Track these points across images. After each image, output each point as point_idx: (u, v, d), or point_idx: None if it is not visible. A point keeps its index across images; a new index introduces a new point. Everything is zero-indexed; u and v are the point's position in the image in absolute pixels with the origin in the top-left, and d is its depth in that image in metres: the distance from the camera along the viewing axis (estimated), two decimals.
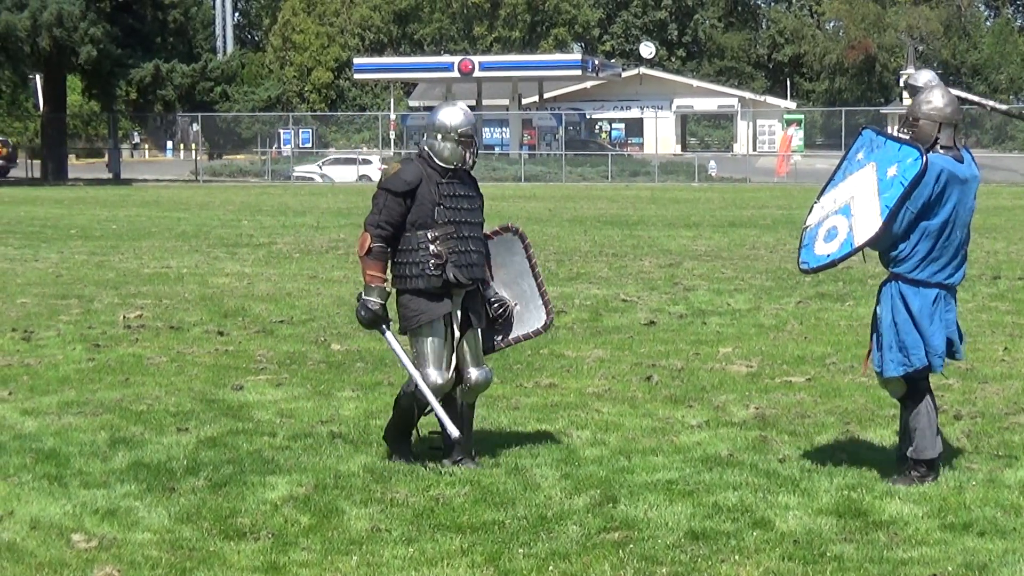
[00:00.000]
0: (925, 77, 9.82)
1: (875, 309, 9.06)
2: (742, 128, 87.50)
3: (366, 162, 71.88)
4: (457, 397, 9.42)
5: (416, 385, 9.14)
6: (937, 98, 8.85)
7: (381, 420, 10.73)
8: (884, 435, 10.17)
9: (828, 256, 8.87)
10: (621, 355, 13.89)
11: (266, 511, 8.27)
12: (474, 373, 9.39)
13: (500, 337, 9.67)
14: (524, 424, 10.59)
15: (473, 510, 8.25)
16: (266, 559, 7.39)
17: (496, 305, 9.52)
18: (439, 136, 9.24)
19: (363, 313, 9.15)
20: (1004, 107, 10.38)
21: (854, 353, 13.82)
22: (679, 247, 27.06)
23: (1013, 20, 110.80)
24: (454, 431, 9.05)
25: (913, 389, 8.88)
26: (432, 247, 9.04)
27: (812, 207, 9.24)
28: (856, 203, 8.80)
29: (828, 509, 8.27)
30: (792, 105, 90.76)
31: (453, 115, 9.29)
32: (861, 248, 8.71)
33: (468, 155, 9.27)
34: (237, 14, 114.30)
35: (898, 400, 9.11)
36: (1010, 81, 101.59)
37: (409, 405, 9.30)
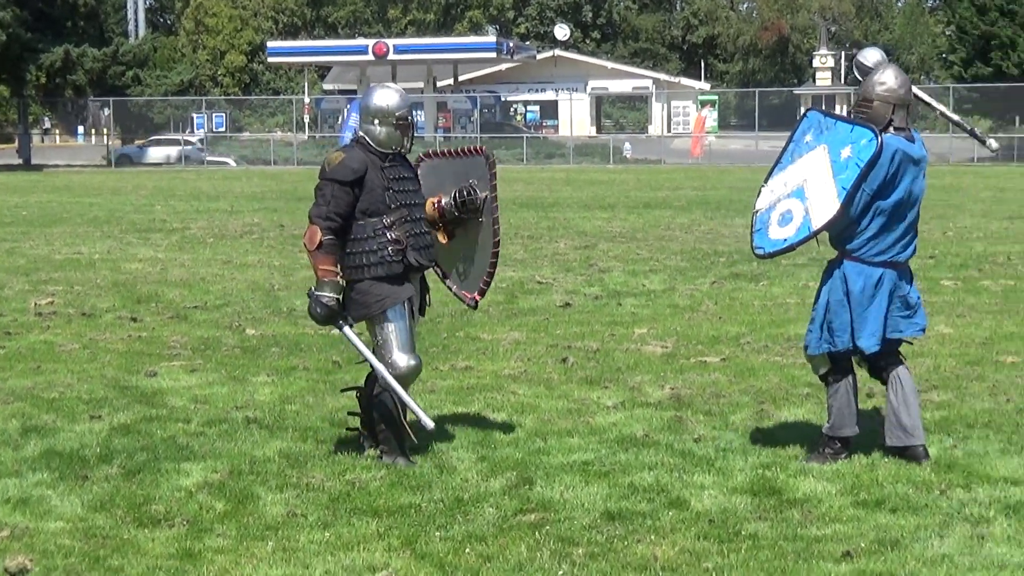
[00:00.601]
0: (875, 57, 9.73)
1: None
2: (657, 110, 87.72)
3: (188, 143, 71.71)
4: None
5: (380, 376, 8.89)
6: (891, 79, 8.79)
7: (296, 405, 10.71)
8: (798, 414, 10.25)
9: (785, 240, 8.78)
10: (537, 337, 13.90)
11: (180, 498, 8.22)
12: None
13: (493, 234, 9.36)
14: (440, 407, 10.58)
15: (389, 494, 8.24)
16: (181, 546, 7.34)
17: (465, 194, 9.21)
18: (376, 121, 8.94)
19: (318, 310, 8.79)
20: (956, 117, 10.19)
21: (768, 333, 13.93)
22: (594, 229, 27.12)
23: (924, 1, 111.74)
24: (428, 421, 8.80)
25: (835, 368, 8.90)
26: (389, 233, 8.81)
27: (760, 191, 9.14)
28: (810, 186, 8.72)
29: (743, 488, 8.32)
30: (706, 87, 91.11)
31: (389, 98, 8.99)
32: (820, 231, 8.64)
33: (406, 139, 9.04)
34: None
35: (819, 377, 9.09)
36: (920, 61, 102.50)
37: (391, 400, 8.93)
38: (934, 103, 9.99)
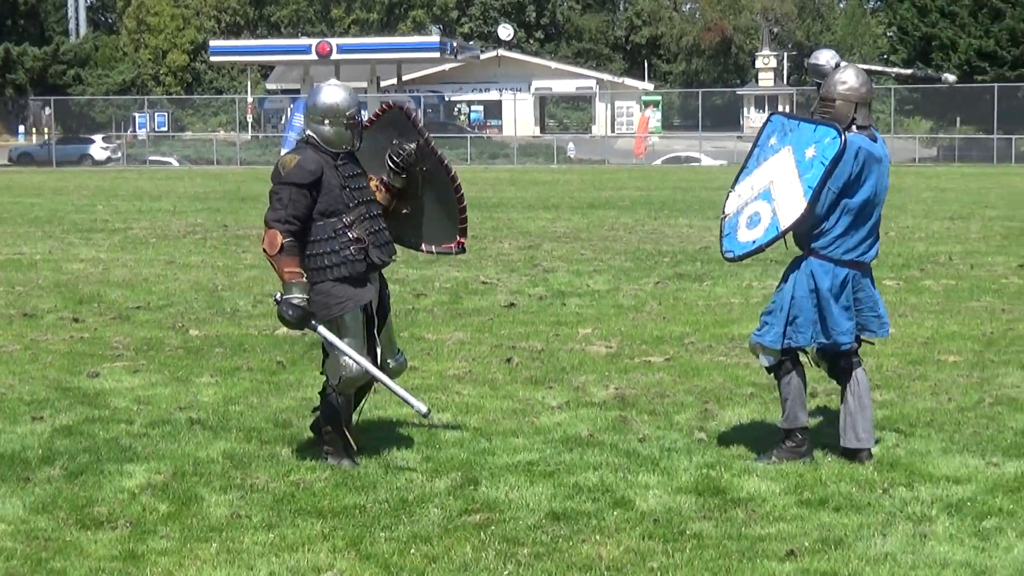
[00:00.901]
0: (827, 55, 9.79)
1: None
2: (600, 110, 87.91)
3: (88, 141, 71.82)
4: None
5: (366, 371, 8.73)
6: (852, 78, 8.82)
7: (240, 406, 10.66)
8: (742, 413, 10.28)
9: (754, 242, 8.77)
10: (481, 337, 13.90)
11: (124, 499, 8.17)
12: (391, 362, 9.22)
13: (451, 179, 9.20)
14: (384, 407, 10.55)
15: (334, 494, 8.22)
16: (124, 548, 7.30)
17: (399, 154, 9.06)
18: (326, 121, 8.74)
19: (290, 312, 8.61)
20: (908, 71, 10.39)
21: (712, 333, 13.97)
22: (538, 229, 27.14)
23: (865, 2, 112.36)
24: (422, 407, 8.74)
25: (787, 360, 8.86)
26: (350, 232, 8.66)
27: (728, 195, 9.15)
28: (776, 187, 8.74)
29: (687, 487, 8.33)
30: (650, 87, 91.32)
31: (337, 96, 8.79)
32: (788, 231, 8.64)
33: (356, 138, 8.84)
34: None
35: (767, 368, 9.03)
36: (862, 62, 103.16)
37: (341, 401, 8.83)
38: (884, 68, 10.20)
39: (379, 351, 9.06)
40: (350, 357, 8.75)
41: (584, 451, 9.20)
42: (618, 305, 16.22)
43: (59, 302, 16.60)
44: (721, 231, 9.09)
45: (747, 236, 8.83)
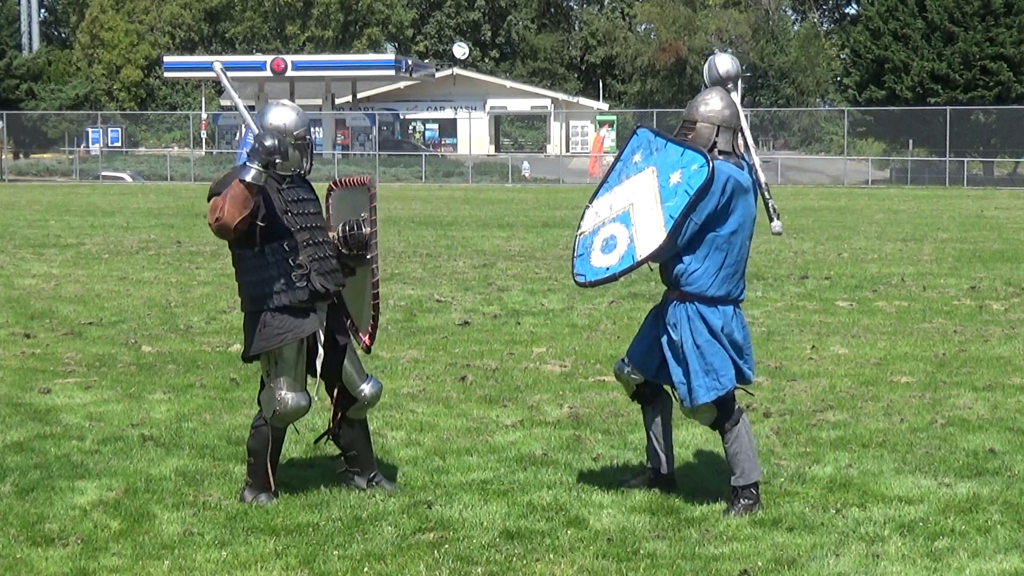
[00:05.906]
0: (726, 66, 8.89)
1: (666, 334, 8.38)
2: (555, 129, 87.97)
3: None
4: (350, 416, 8.72)
5: (300, 407, 8.40)
6: (715, 100, 8.44)
7: (193, 422, 10.62)
8: (695, 432, 10.29)
9: (608, 269, 8.28)
10: (435, 355, 13.88)
11: (75, 516, 8.13)
12: (366, 388, 8.69)
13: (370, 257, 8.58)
14: None
15: (287, 512, 8.19)
16: (75, 565, 7.25)
17: (347, 228, 8.51)
18: None
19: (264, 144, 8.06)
20: (763, 177, 9.22)
21: None
22: (493, 247, 27.14)
23: (819, 25, 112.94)
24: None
25: (724, 412, 8.43)
26: (291, 259, 8.25)
27: (585, 211, 8.69)
28: (636, 212, 8.26)
29: (641, 507, 8.34)
30: (604, 107, 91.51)
31: (285, 116, 8.38)
32: (644, 262, 8.16)
33: (305, 159, 8.48)
34: (43, 10, 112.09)
35: (710, 427, 8.59)
36: (816, 84, 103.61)
37: (273, 435, 8.43)
38: (753, 152, 9.09)
39: (356, 380, 8.69)
40: (285, 391, 8.40)
41: (538, 470, 9.20)
42: (572, 324, 16.24)
43: (10, 318, 16.50)
44: (574, 250, 8.59)
45: (601, 261, 8.33)
